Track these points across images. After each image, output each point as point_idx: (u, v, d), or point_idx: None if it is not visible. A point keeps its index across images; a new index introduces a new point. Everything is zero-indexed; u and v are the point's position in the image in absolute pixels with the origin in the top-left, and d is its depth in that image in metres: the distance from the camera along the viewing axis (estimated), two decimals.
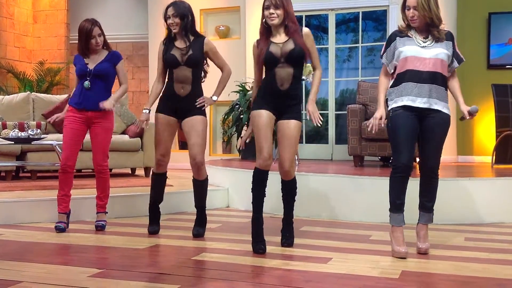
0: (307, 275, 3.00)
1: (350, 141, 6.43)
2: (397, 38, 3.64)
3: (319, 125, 3.66)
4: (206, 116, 4.18)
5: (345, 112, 6.78)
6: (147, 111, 4.17)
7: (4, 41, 9.70)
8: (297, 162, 6.62)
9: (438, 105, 3.54)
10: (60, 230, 4.23)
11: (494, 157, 6.73)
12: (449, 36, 3.62)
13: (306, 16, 8.25)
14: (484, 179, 5.10)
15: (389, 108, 3.62)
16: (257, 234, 3.63)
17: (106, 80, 4.37)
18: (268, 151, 3.58)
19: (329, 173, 5.36)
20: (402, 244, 3.50)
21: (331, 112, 8.11)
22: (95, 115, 4.32)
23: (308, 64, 6.90)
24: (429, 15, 3.51)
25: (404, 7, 3.60)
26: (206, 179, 4.22)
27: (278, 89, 3.64)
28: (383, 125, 3.63)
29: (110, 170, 7.60)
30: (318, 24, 8.53)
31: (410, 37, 3.60)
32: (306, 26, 8.21)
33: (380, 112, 3.60)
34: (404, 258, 3.44)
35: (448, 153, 7.64)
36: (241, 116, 7.53)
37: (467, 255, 3.55)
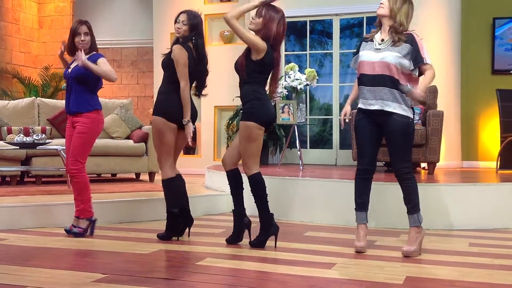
0: (311, 281, 3.00)
1: (355, 146, 6.42)
2: (363, 43, 3.82)
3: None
4: (160, 116, 4.04)
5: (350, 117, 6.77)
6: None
7: (10, 46, 9.75)
8: (301, 167, 6.62)
9: (390, 107, 3.63)
10: (65, 231, 4.31)
11: (498, 162, 6.72)
12: (409, 40, 3.63)
13: (310, 21, 8.24)
14: (488, 184, 5.08)
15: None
16: (235, 227, 4.01)
17: (84, 83, 4.25)
18: (225, 157, 4.03)
19: (334, 178, 5.36)
20: (361, 240, 3.76)
21: (335, 117, 8.10)
22: (75, 119, 4.30)
23: (312, 69, 6.95)
24: (395, 12, 3.63)
25: None
26: (166, 180, 4.11)
27: None
28: (347, 120, 3.87)
29: (114, 175, 7.67)
30: (322, 29, 8.54)
31: (372, 41, 3.74)
32: (310, 31, 8.26)
33: (345, 109, 3.88)
34: (360, 252, 3.70)
35: (453, 158, 7.63)
36: None
37: (471, 260, 3.54)
